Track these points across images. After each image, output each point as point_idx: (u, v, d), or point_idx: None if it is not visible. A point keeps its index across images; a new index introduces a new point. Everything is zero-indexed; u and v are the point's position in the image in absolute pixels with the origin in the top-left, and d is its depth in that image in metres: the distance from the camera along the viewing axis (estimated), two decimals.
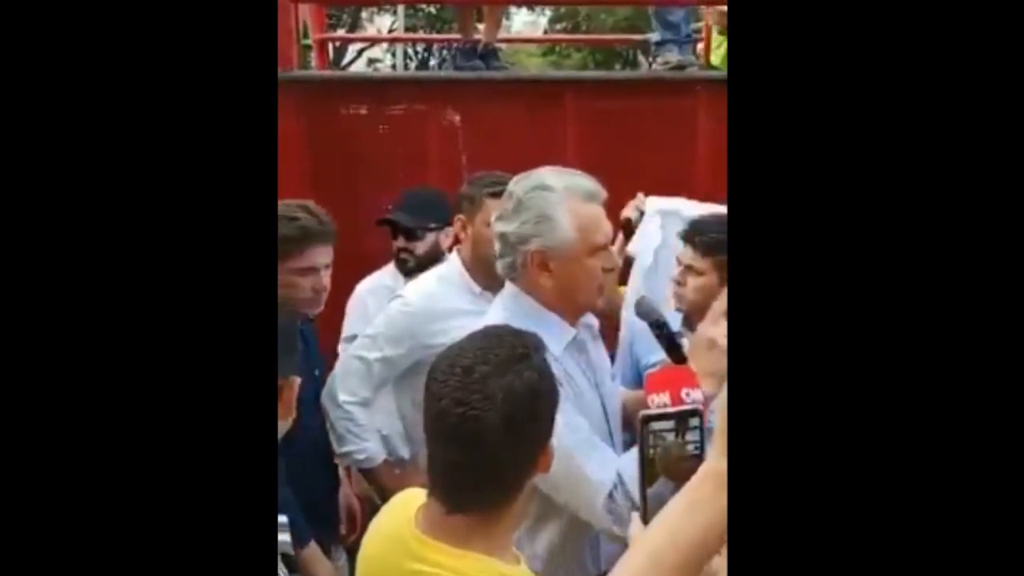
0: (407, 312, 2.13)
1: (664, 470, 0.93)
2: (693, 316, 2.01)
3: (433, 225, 2.48)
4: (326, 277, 1.97)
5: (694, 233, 1.94)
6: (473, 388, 1.04)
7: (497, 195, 2.12)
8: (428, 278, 2.25)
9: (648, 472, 0.93)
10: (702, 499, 0.82)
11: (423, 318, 2.09)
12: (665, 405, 1.40)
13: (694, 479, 0.84)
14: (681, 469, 0.90)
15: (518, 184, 1.59)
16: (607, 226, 1.58)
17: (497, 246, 1.61)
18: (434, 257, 2.47)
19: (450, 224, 2.46)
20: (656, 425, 1.02)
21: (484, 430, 1.03)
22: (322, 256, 1.95)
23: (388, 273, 2.56)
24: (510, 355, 1.08)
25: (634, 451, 1.53)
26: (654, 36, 3.56)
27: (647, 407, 1.59)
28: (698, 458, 0.90)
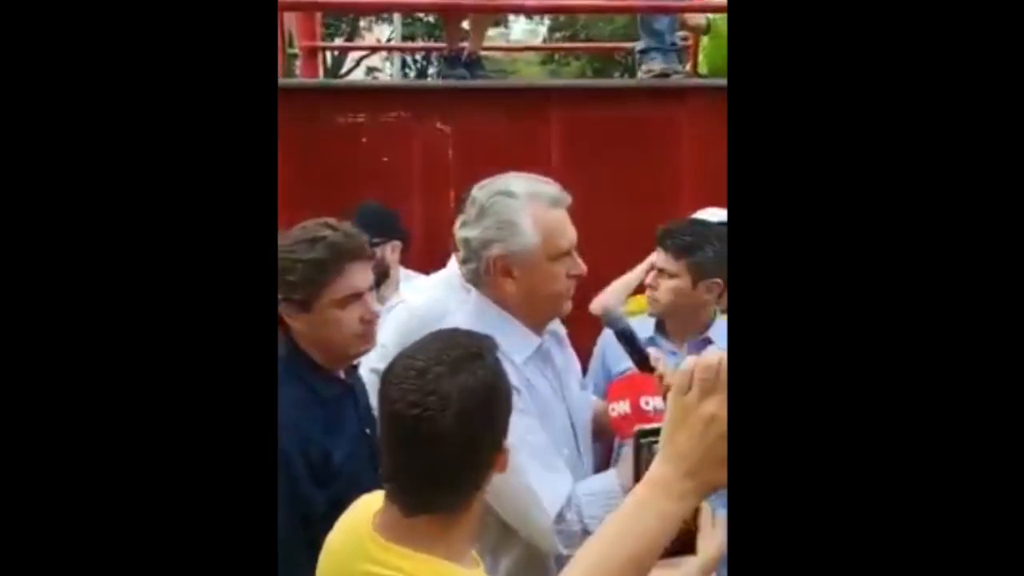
0: (416, 315, 2.11)
1: None
2: (667, 319, 2.01)
3: (376, 240, 2.45)
4: (372, 302, 1.64)
5: (665, 237, 1.97)
6: (427, 389, 1.04)
7: None
8: (430, 282, 2.26)
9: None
10: (646, 503, 0.82)
11: (428, 321, 2.05)
12: (625, 414, 1.38)
13: (640, 484, 0.84)
14: None
15: (481, 190, 1.58)
16: (571, 232, 1.57)
17: (461, 252, 1.60)
18: (378, 272, 2.46)
19: (396, 238, 2.49)
20: (655, 442, 1.01)
21: (439, 430, 1.03)
22: (362, 277, 1.60)
23: None
24: (464, 354, 1.07)
25: (597, 476, 1.52)
26: (639, 44, 3.56)
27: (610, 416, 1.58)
28: None
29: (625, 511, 0.84)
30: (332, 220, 1.64)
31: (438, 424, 1.03)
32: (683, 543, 0.89)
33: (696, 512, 0.89)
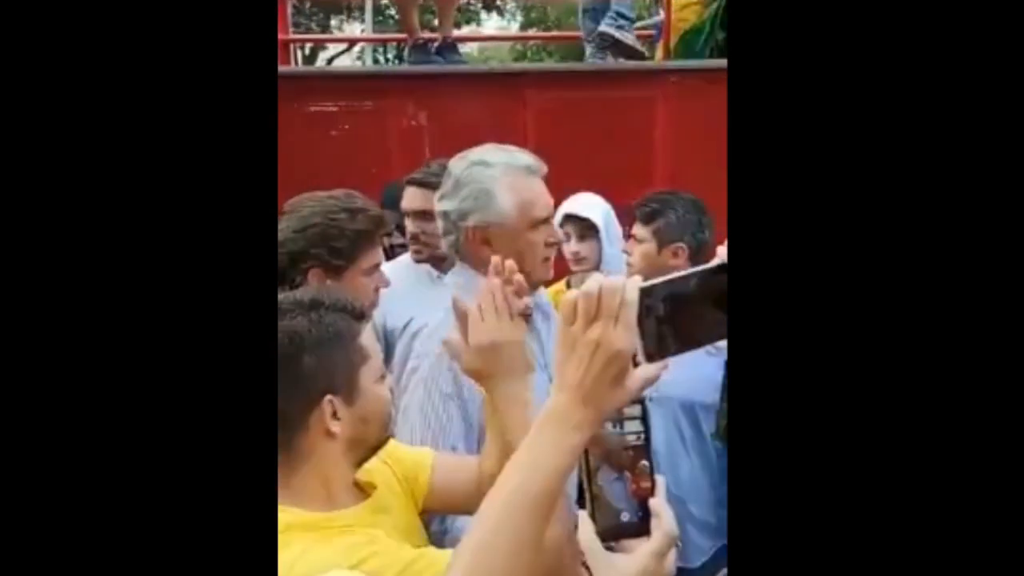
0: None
1: (605, 461, 0.88)
2: None
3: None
4: (383, 272, 1.80)
5: (636, 206, 2.07)
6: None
7: (414, 183, 2.16)
8: (389, 265, 2.27)
9: (589, 464, 0.87)
10: (545, 437, 0.82)
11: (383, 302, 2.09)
12: None
13: (537, 420, 0.84)
14: (623, 458, 0.87)
15: (456, 163, 1.60)
16: (547, 200, 1.59)
17: (440, 224, 1.62)
18: None
19: None
20: None
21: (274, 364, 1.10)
22: (381, 249, 1.78)
23: None
24: (292, 304, 1.14)
25: None
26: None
27: None
28: (641, 448, 0.87)
29: (527, 448, 0.84)
30: (354, 192, 1.76)
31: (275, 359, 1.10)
32: (638, 527, 0.87)
33: (651, 490, 0.88)
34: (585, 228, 2.34)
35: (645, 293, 0.80)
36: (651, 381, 0.82)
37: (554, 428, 0.82)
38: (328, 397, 1.12)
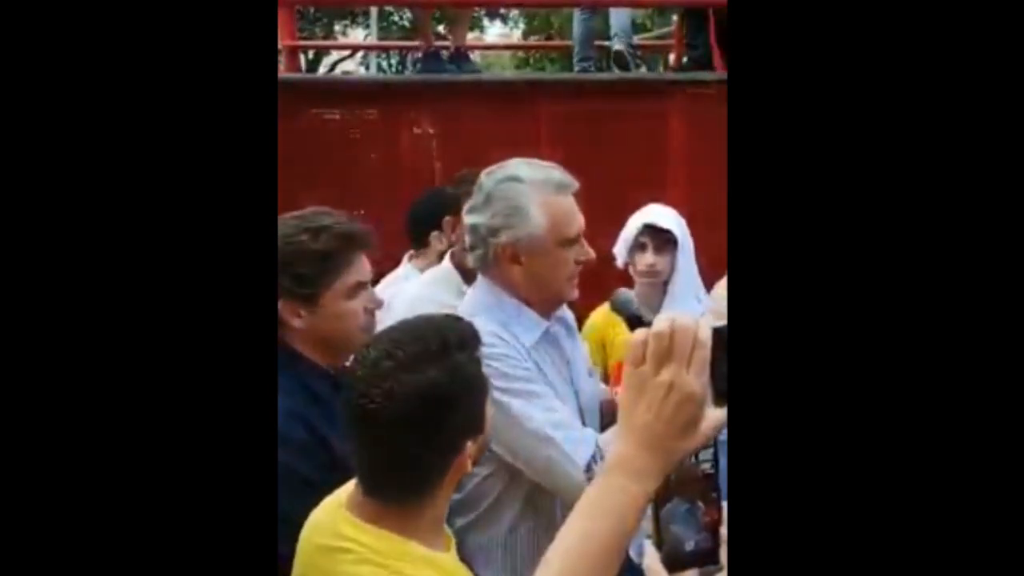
0: (414, 308, 2.11)
1: (678, 490, 0.87)
2: None
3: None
4: (373, 291, 1.58)
5: None
6: (374, 382, 1.03)
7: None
8: (422, 280, 2.25)
9: (661, 492, 0.85)
10: (610, 485, 0.80)
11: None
12: None
13: (603, 466, 0.82)
14: (695, 488, 0.86)
15: (489, 176, 1.58)
16: (579, 218, 1.56)
17: (468, 238, 1.60)
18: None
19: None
20: None
21: (383, 425, 1.03)
22: (367, 265, 1.55)
23: None
24: (421, 351, 1.06)
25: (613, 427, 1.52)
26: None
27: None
28: (711, 476, 0.87)
29: (593, 495, 0.81)
30: (327, 208, 1.58)
31: (381, 418, 1.02)
32: (706, 556, 0.86)
33: (719, 519, 0.86)
34: (663, 240, 2.22)
35: (718, 334, 0.77)
36: (722, 426, 0.79)
37: (621, 476, 0.79)
38: (469, 442, 1.09)
